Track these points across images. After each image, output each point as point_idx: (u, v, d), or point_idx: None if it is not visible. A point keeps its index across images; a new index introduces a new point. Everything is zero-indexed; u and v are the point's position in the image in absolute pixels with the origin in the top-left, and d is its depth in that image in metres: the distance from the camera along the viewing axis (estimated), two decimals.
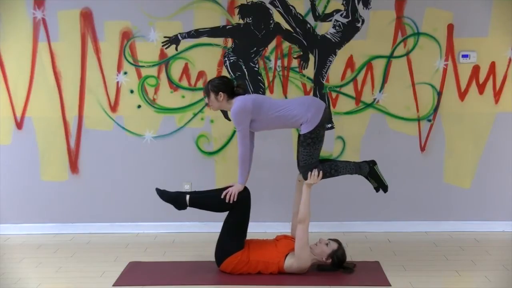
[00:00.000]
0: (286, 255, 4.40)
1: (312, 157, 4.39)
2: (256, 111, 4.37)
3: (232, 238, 4.43)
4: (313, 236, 4.54)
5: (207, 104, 4.62)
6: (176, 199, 4.54)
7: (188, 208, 4.55)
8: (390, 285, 4.24)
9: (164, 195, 4.59)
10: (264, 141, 5.38)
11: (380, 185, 4.61)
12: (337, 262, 4.43)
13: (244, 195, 4.46)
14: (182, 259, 4.85)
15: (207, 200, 4.54)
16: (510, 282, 4.28)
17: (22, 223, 5.61)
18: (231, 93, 4.47)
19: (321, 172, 4.40)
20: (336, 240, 4.50)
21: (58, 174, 5.59)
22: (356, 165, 4.54)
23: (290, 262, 4.37)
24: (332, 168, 4.46)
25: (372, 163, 4.59)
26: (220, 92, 4.44)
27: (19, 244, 5.33)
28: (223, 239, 4.45)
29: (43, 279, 4.44)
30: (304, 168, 4.41)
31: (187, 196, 4.52)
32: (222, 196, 4.42)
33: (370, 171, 4.56)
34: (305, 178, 4.42)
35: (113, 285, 4.31)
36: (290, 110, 4.37)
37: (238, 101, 4.40)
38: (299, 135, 4.45)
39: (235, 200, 4.41)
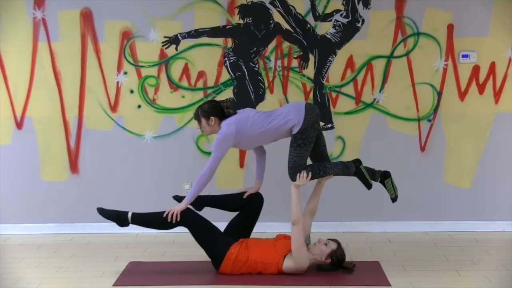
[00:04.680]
0: (285, 256, 4.40)
1: (301, 158, 4.39)
2: (239, 137, 4.37)
3: (212, 245, 4.41)
4: (313, 236, 4.55)
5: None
6: (117, 217, 4.52)
7: (130, 225, 4.53)
8: (390, 285, 4.24)
9: (104, 212, 4.54)
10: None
11: (364, 183, 4.56)
12: (336, 262, 4.42)
13: (186, 213, 4.41)
14: (182, 259, 4.85)
15: (150, 219, 4.51)
16: (510, 282, 4.28)
17: (22, 223, 5.62)
18: (222, 116, 4.47)
19: (310, 173, 4.40)
20: (335, 240, 4.49)
21: (58, 174, 5.59)
22: (343, 165, 4.54)
23: (288, 263, 4.37)
24: (321, 169, 4.47)
25: (358, 162, 4.58)
26: (211, 117, 4.44)
27: (19, 244, 5.33)
28: (207, 251, 4.44)
29: (43, 279, 4.44)
30: (293, 170, 4.41)
31: (129, 213, 4.50)
32: (164, 215, 4.40)
33: (356, 170, 4.55)
34: (293, 179, 4.42)
35: (113, 285, 4.31)
36: (271, 122, 4.38)
37: (223, 126, 4.40)
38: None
39: (178, 220, 4.39)
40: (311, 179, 4.43)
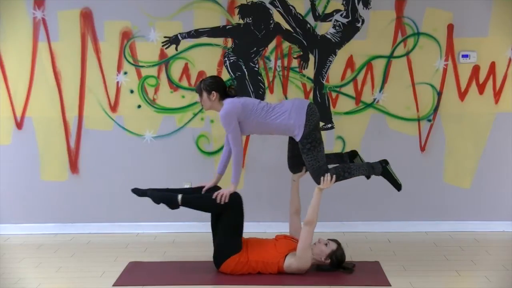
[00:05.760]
0: (286, 255, 4.40)
1: (318, 160, 4.36)
2: (243, 114, 4.38)
3: (230, 239, 4.42)
4: (313, 236, 4.54)
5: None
6: (168, 199, 4.53)
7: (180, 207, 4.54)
8: (390, 285, 4.24)
9: (157, 197, 4.56)
10: (263, 143, 5.40)
11: (393, 184, 4.59)
12: (336, 262, 4.42)
13: (236, 197, 4.44)
14: (182, 259, 4.85)
15: (199, 201, 4.54)
16: (510, 282, 4.28)
17: (22, 223, 5.61)
18: (223, 93, 4.48)
19: (334, 176, 4.38)
20: (335, 241, 4.50)
21: (58, 174, 5.59)
22: (369, 166, 4.53)
23: (289, 262, 4.37)
24: (346, 171, 4.44)
25: (385, 162, 4.58)
26: (213, 92, 4.45)
27: (19, 244, 5.33)
28: (221, 242, 4.44)
29: (43, 279, 4.44)
30: (315, 174, 4.38)
31: (179, 196, 4.51)
32: (214, 197, 4.41)
33: (383, 171, 4.55)
34: (318, 183, 4.39)
35: (113, 285, 4.31)
36: (273, 118, 4.38)
37: (227, 103, 4.41)
38: (297, 143, 4.43)
39: (226, 201, 4.41)
40: (336, 181, 4.41)
